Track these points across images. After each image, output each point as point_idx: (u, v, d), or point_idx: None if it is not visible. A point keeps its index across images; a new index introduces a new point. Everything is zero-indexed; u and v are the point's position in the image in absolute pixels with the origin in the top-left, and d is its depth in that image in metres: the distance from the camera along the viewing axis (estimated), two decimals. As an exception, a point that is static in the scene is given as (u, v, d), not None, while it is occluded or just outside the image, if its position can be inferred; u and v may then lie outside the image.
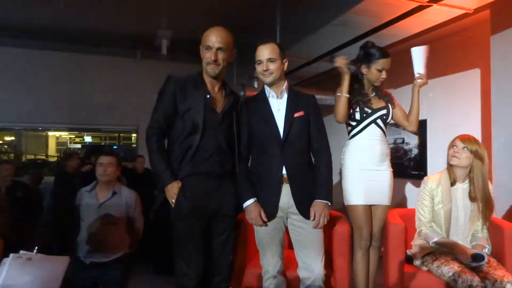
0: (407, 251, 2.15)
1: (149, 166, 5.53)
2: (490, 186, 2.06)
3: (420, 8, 3.00)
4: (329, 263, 1.98)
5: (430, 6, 2.91)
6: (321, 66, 4.65)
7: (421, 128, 4.29)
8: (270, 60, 1.81)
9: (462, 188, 2.05)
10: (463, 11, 3.06)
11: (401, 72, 2.64)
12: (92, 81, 6.20)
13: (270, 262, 1.85)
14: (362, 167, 2.07)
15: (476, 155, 1.98)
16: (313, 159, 1.92)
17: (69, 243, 2.32)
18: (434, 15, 3.13)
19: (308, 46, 3.99)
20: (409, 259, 2.13)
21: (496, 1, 2.85)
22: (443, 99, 4.00)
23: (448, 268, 1.84)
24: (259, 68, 1.84)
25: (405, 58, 2.28)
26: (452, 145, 2.08)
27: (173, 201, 1.72)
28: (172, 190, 1.71)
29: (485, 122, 3.35)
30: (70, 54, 6.09)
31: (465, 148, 2.00)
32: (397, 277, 2.02)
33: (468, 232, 2.03)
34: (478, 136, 3.54)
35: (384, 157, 2.12)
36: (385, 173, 2.12)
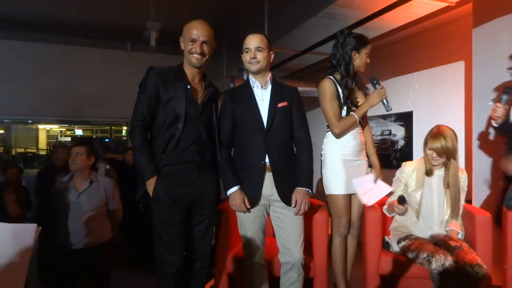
0: (385, 238, 2.22)
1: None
2: (464, 175, 2.13)
3: (404, 1, 3.04)
4: (308, 250, 2.04)
5: (413, -1, 2.96)
6: (308, 59, 4.69)
7: (407, 120, 4.37)
8: (258, 49, 1.86)
9: (437, 175, 2.12)
10: (446, 4, 3.11)
11: (386, 64, 2.69)
12: (82, 73, 6.18)
13: (252, 249, 1.91)
14: (344, 157, 2.10)
15: (447, 152, 2.03)
16: (294, 149, 1.97)
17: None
18: (418, 8, 3.18)
19: (295, 39, 4.01)
20: (386, 245, 2.19)
21: (478, -6, 2.91)
22: (428, 91, 4.06)
23: (422, 250, 1.91)
24: (247, 56, 1.88)
25: (389, 50, 2.33)
26: (426, 146, 2.11)
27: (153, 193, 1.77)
28: (153, 184, 1.76)
29: (468, 113, 3.42)
30: (60, 46, 6.06)
31: (436, 148, 2.04)
32: (375, 262, 2.09)
33: (442, 217, 2.10)
34: (461, 126, 3.62)
35: (362, 147, 2.17)
36: (363, 162, 2.18)
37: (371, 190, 2.08)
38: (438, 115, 3.84)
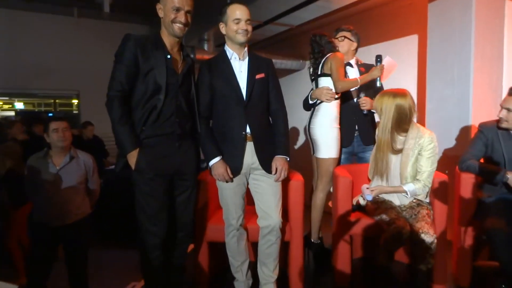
0: (354, 201, 2.38)
1: (96, 133, 5.28)
2: (427, 140, 2.25)
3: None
4: (284, 215, 2.14)
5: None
6: (271, 29, 4.68)
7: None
8: (248, 20, 1.85)
9: (401, 140, 2.26)
10: (406, -22, 3.24)
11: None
12: (23, 40, 5.65)
13: (233, 216, 1.97)
14: (333, 125, 2.42)
15: (403, 108, 2.07)
16: (270, 119, 2.03)
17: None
18: (379, -18, 3.28)
19: (259, 9, 3.96)
20: (354, 208, 2.36)
21: (434, -30, 3.05)
22: (389, 58, 4.25)
23: (386, 215, 2.06)
24: (236, 27, 1.86)
25: (349, 22, 2.46)
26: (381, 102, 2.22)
27: (134, 166, 1.74)
28: (134, 156, 1.73)
29: (421, 85, 3.65)
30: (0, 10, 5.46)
31: (376, 107, 2.15)
32: (344, 223, 2.25)
33: (401, 179, 2.18)
34: (413, 98, 3.87)
35: (338, 116, 2.42)
36: (338, 130, 2.44)
37: None
38: (393, 85, 4.05)
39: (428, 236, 1.89)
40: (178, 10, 1.73)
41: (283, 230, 2.06)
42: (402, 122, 2.10)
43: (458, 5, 2.94)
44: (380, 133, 2.14)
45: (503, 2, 3.00)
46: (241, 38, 1.87)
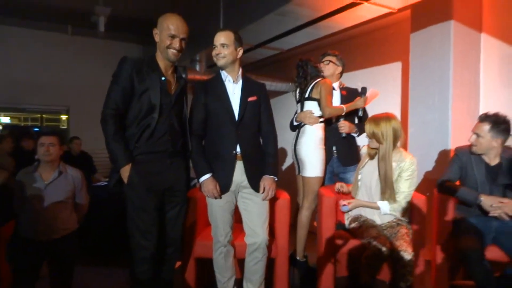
0: (339, 221, 2.46)
1: (85, 149, 5.29)
2: (406, 162, 2.37)
3: (353, 5, 3.30)
4: (271, 233, 2.20)
5: (361, 3, 3.23)
6: (262, 53, 4.85)
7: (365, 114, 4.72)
8: (223, 45, 1.96)
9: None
10: (389, 10, 3.43)
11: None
12: (17, 56, 5.70)
13: (221, 232, 2.03)
14: (319, 146, 2.56)
15: (376, 136, 2.20)
16: (261, 140, 2.13)
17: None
18: (364, 12, 3.46)
19: (250, 33, 4.12)
20: (338, 227, 2.44)
21: (416, 3, 3.25)
22: (372, 88, 4.43)
23: (367, 234, 2.14)
24: (213, 52, 2.00)
25: (337, 48, 2.60)
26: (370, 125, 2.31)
27: (127, 181, 1.80)
28: (127, 171, 1.80)
29: (404, 111, 3.81)
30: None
31: (368, 132, 2.24)
32: (328, 242, 2.32)
33: (381, 198, 2.25)
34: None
35: (323, 138, 2.58)
36: (323, 150, 2.57)
37: None
38: (377, 110, 4.20)
39: (407, 254, 1.97)
40: (173, 37, 1.84)
41: (269, 248, 2.11)
42: (395, 144, 2.22)
43: (438, 36, 3.14)
44: (381, 157, 2.20)
45: (479, 34, 3.21)
46: (217, 62, 2.02)
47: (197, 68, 5.02)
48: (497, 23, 3.28)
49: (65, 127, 7.10)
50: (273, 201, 2.25)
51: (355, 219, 2.34)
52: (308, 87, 2.61)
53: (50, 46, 5.93)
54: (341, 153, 2.70)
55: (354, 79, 4.54)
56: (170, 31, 1.83)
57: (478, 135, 2.23)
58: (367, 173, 2.32)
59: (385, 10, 3.44)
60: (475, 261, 1.93)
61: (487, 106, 3.16)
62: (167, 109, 1.87)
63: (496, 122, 2.19)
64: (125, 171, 1.78)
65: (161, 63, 1.91)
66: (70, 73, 6.01)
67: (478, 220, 2.16)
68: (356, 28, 4.02)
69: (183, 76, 2.02)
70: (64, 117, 7.41)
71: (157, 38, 1.88)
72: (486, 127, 2.20)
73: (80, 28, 5.87)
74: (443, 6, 3.10)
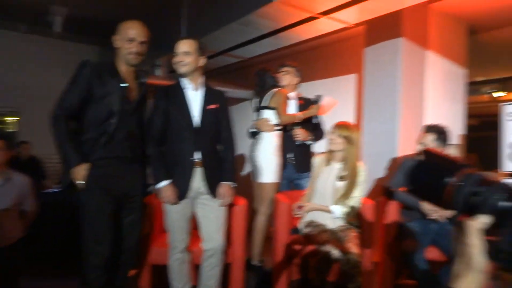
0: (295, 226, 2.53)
1: (35, 153, 5.02)
2: (363, 167, 2.44)
3: (312, 18, 3.45)
4: (227, 238, 2.23)
5: (319, 18, 3.39)
6: (225, 60, 4.90)
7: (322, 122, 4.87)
8: (186, 53, 1.98)
9: (336, 168, 2.48)
10: (345, 25, 3.62)
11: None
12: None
13: (178, 239, 2.04)
14: (275, 153, 2.64)
15: (347, 140, 2.35)
16: (220, 146, 2.16)
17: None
18: (323, 25, 3.63)
19: (213, 40, 4.18)
20: (293, 232, 2.52)
21: (371, 19, 3.46)
22: (328, 98, 4.61)
23: (320, 238, 2.22)
24: (175, 59, 2.01)
25: (297, 58, 2.70)
26: (330, 131, 2.46)
27: (80, 182, 1.76)
28: (79, 172, 1.76)
29: (358, 119, 4.01)
30: None
31: (339, 135, 2.36)
32: (284, 245, 2.39)
33: (334, 204, 2.36)
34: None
35: (279, 145, 2.66)
36: (279, 157, 2.66)
37: None
38: (334, 119, 4.38)
39: (355, 256, 2.08)
40: (132, 41, 1.85)
41: (225, 253, 2.14)
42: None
43: (388, 52, 3.35)
44: (349, 159, 2.33)
45: (425, 51, 3.46)
46: (178, 69, 2.03)
47: (158, 73, 4.98)
48: (441, 41, 3.56)
49: (13, 130, 6.68)
50: (230, 207, 2.28)
51: (308, 224, 2.42)
52: (266, 96, 2.69)
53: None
54: (296, 160, 2.80)
55: (313, 89, 4.70)
56: (128, 35, 1.85)
57: (424, 145, 2.41)
58: (323, 180, 2.42)
59: (342, 25, 3.63)
60: (418, 262, 2.08)
61: (431, 118, 3.40)
62: (127, 115, 1.86)
63: (440, 132, 2.40)
64: (77, 172, 1.75)
65: (122, 68, 1.91)
66: (21, 73, 5.70)
67: (419, 223, 2.33)
68: (316, 40, 4.19)
69: (144, 81, 2.02)
70: (12, 119, 6.97)
71: (116, 44, 1.88)
72: (431, 137, 2.40)
73: (34, 27, 5.61)
74: (393, 24, 3.32)
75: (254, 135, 2.74)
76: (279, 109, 2.62)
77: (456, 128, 3.67)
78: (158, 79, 4.82)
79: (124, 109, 1.84)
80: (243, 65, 5.27)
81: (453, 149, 3.20)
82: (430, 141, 2.40)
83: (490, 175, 0.75)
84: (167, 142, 2.05)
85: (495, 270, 0.71)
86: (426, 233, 2.29)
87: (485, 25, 3.81)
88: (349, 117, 4.16)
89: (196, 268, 2.17)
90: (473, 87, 4.24)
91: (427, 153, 0.86)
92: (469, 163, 0.78)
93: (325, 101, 2.85)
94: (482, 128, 6.01)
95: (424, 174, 0.82)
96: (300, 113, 2.76)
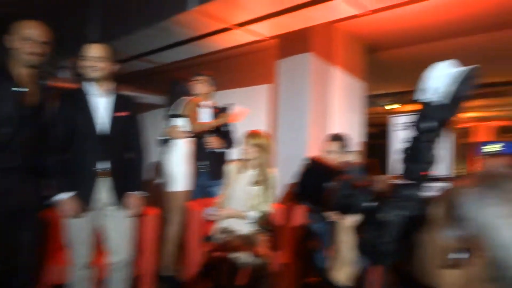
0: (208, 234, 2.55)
1: None
2: (275, 173, 2.58)
3: (227, 29, 3.54)
4: (138, 250, 2.16)
5: (234, 29, 3.49)
6: (138, 65, 4.75)
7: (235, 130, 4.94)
8: (97, 58, 1.88)
9: (249, 175, 2.56)
10: (260, 37, 3.78)
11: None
12: None
13: (80, 254, 1.91)
14: (186, 160, 2.62)
15: (260, 147, 2.46)
16: (129, 155, 2.08)
17: None
18: (238, 36, 3.74)
19: (126, 45, 4.02)
20: (206, 240, 2.53)
21: (283, 34, 3.66)
22: (240, 106, 4.72)
23: (233, 244, 2.28)
24: (86, 63, 1.88)
25: (213, 67, 2.76)
26: (243, 141, 2.53)
27: None
28: None
29: (271, 128, 4.18)
30: None
31: (252, 144, 2.45)
32: (196, 255, 2.39)
33: (248, 209, 2.47)
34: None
35: (191, 153, 2.63)
36: (191, 165, 2.62)
37: None
38: (247, 127, 4.51)
39: (266, 259, 2.18)
40: (30, 40, 1.70)
41: (133, 265, 2.06)
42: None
43: (299, 65, 3.59)
44: (262, 165, 2.43)
45: (329, 66, 3.77)
46: (90, 74, 1.90)
47: (64, 75, 4.62)
48: (344, 58, 3.93)
49: None
50: (140, 218, 2.21)
51: (222, 230, 2.46)
52: (177, 104, 2.69)
53: None
54: (210, 167, 2.82)
55: (229, 98, 4.78)
56: (27, 35, 1.71)
57: (330, 152, 2.62)
58: (237, 187, 2.49)
59: (256, 37, 3.79)
60: (317, 260, 2.25)
61: (335, 127, 3.72)
62: (23, 122, 1.70)
63: (343, 140, 2.64)
64: None
65: (19, 71, 1.74)
66: None
67: (322, 225, 2.52)
68: (232, 50, 4.28)
69: (45, 84, 1.86)
70: None
71: (12, 44, 1.72)
72: (336, 145, 2.62)
73: None
74: (303, 39, 3.56)
75: (165, 142, 2.71)
76: (190, 118, 2.64)
77: (357, 136, 4.06)
78: (63, 81, 4.46)
79: (19, 116, 1.68)
80: (158, 70, 5.15)
81: (353, 155, 3.53)
82: (334, 149, 2.62)
83: (361, 179, 0.87)
84: (70, 151, 1.92)
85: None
86: (328, 234, 2.49)
87: (382, 45, 4.30)
88: (262, 125, 4.32)
89: (100, 284, 2.05)
90: (372, 99, 4.72)
91: (313, 161, 0.96)
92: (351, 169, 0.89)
93: (235, 109, 2.91)
94: (382, 136, 6.75)
95: (308, 179, 0.91)
96: (211, 121, 2.80)
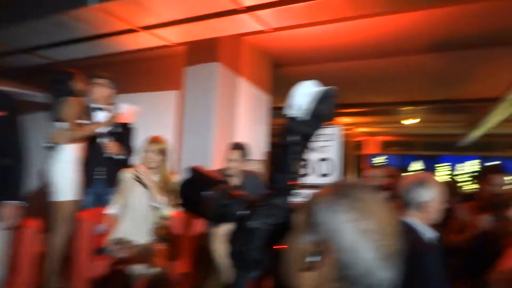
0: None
1: None
2: (175, 178, 2.51)
3: (132, 31, 3.40)
4: (12, 265, 1.92)
5: (139, 31, 3.37)
6: (28, 60, 4.26)
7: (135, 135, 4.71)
8: None
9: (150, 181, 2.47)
10: (166, 43, 3.71)
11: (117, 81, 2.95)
12: None
13: None
14: (73, 167, 2.43)
15: (161, 153, 2.43)
16: (7, 160, 1.85)
17: None
18: (143, 39, 3.62)
19: (14, 36, 3.59)
20: (98, 252, 2.37)
21: (191, 41, 3.66)
22: (149, 111, 4.56)
23: (128, 255, 2.18)
24: None
25: (117, 69, 2.63)
26: (145, 149, 2.45)
27: None
28: None
29: (178, 133, 4.11)
30: None
31: (154, 150, 2.40)
32: (85, 267, 2.22)
33: (149, 217, 2.39)
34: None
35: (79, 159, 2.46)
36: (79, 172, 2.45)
37: None
38: (153, 132, 4.38)
39: (162, 269, 2.14)
40: None
41: (9, 282, 1.83)
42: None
43: (206, 74, 3.61)
44: (162, 173, 2.40)
45: (236, 77, 3.88)
46: None
47: None
48: (250, 70, 4.08)
49: None
50: (19, 230, 1.97)
51: (116, 241, 2.33)
52: (62, 106, 2.46)
53: None
54: (106, 174, 2.65)
55: (133, 101, 4.55)
56: None
57: (231, 160, 2.68)
58: (137, 194, 2.38)
59: (163, 42, 3.71)
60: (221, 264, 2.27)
61: (240, 136, 3.82)
62: None
63: (244, 149, 2.72)
64: None
65: None
66: None
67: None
68: (138, 53, 4.12)
69: None
70: None
71: None
72: (237, 153, 2.69)
73: None
74: (211, 49, 3.61)
75: (50, 148, 2.45)
76: (70, 121, 2.42)
77: (261, 146, 4.23)
78: None
79: None
80: (50, 68, 4.70)
81: (255, 164, 3.67)
82: (235, 157, 2.69)
83: (237, 189, 0.90)
84: None
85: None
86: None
87: (287, 61, 4.58)
88: (169, 132, 4.24)
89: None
90: (277, 111, 4.95)
91: (192, 170, 0.97)
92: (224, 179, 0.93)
93: (124, 109, 2.69)
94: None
95: (188, 188, 0.92)
96: (93, 124, 2.58)
